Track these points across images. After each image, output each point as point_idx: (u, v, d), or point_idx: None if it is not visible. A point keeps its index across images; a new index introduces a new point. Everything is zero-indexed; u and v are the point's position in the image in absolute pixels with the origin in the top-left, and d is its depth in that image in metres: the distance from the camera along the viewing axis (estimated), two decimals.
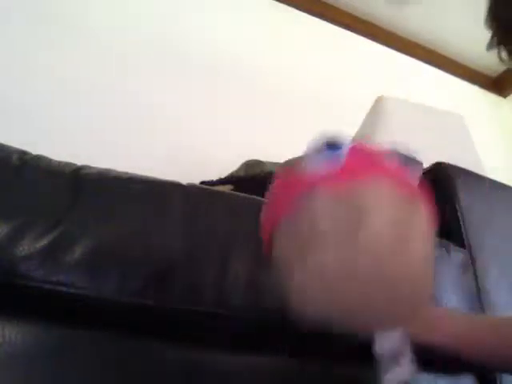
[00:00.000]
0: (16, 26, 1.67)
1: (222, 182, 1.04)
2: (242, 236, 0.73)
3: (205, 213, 0.72)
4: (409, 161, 0.38)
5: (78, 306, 0.60)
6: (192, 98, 1.87)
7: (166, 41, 1.93)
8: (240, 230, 0.73)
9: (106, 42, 1.79)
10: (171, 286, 0.64)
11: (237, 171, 1.08)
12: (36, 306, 0.58)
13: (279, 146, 1.54)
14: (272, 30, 2.26)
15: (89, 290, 0.60)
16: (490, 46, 0.66)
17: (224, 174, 1.12)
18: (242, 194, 0.81)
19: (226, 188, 0.96)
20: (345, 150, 0.36)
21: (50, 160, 0.69)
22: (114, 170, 0.72)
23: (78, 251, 0.60)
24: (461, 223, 0.93)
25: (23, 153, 0.67)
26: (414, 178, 0.38)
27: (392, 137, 1.45)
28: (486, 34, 0.68)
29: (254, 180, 1.01)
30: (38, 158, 0.68)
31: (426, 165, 1.06)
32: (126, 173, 0.72)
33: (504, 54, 0.65)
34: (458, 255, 0.89)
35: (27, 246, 0.58)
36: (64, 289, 0.58)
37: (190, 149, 1.73)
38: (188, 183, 0.75)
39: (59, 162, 0.69)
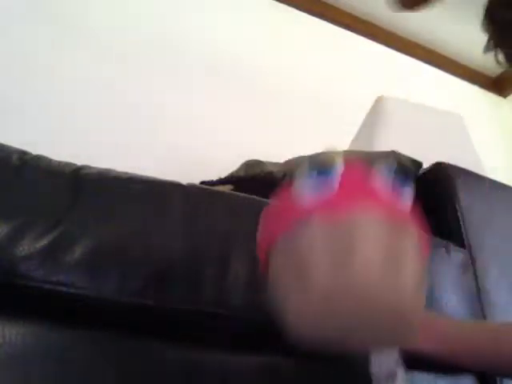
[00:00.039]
0: (16, 26, 1.67)
1: (222, 182, 1.04)
2: (242, 236, 0.73)
3: (205, 213, 0.72)
4: (400, 178, 0.39)
5: (78, 306, 0.60)
6: (192, 98, 1.87)
7: (165, 41, 1.93)
8: (240, 230, 0.73)
9: (106, 42, 1.79)
10: (171, 286, 0.64)
11: (237, 171, 1.08)
12: (36, 306, 0.58)
13: (279, 145, 1.54)
14: (272, 30, 2.26)
15: (89, 290, 0.60)
16: (486, 49, 0.66)
17: (224, 174, 1.12)
18: (242, 194, 0.81)
19: (226, 188, 0.96)
20: (337, 175, 0.37)
21: (50, 160, 0.69)
22: (114, 170, 0.72)
23: (78, 251, 0.60)
24: (461, 223, 0.93)
25: (23, 153, 0.67)
26: (406, 198, 0.38)
27: (392, 137, 1.45)
28: (485, 35, 0.68)
29: (253, 180, 1.01)
30: (38, 158, 0.68)
31: (426, 165, 1.06)
32: (126, 173, 0.72)
33: (501, 57, 0.65)
34: (458, 255, 0.89)
35: (27, 246, 0.58)
36: (64, 289, 0.58)
37: (190, 149, 1.73)
38: (188, 183, 0.75)
39: (59, 162, 0.69)
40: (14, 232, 0.58)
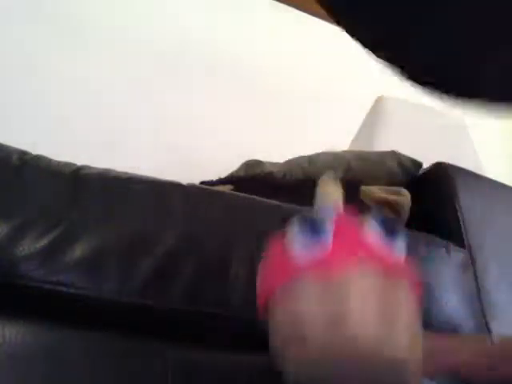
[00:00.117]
0: (16, 26, 1.67)
1: (222, 181, 1.04)
2: (242, 236, 0.73)
3: (205, 213, 0.72)
4: (391, 229, 0.39)
5: (78, 306, 0.60)
6: (192, 98, 1.87)
7: (166, 41, 1.93)
8: (240, 230, 0.73)
9: (106, 42, 1.79)
10: (171, 286, 0.64)
11: (237, 171, 1.08)
12: (36, 306, 0.58)
13: (279, 145, 1.54)
14: (272, 30, 2.26)
15: (89, 290, 0.60)
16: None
17: (224, 174, 1.12)
18: (242, 194, 0.81)
19: (226, 188, 0.96)
20: (329, 233, 0.38)
21: (50, 160, 0.69)
22: (114, 170, 0.72)
23: (78, 251, 0.60)
24: (461, 223, 0.93)
25: (23, 153, 0.67)
26: (397, 248, 0.39)
27: (392, 137, 1.45)
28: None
29: (253, 180, 1.01)
30: (38, 158, 0.68)
31: (426, 165, 1.06)
32: (126, 173, 0.72)
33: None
34: (458, 255, 0.89)
35: (27, 246, 0.58)
36: (64, 289, 0.59)
37: (190, 149, 1.73)
38: (188, 183, 0.75)
39: (59, 162, 0.69)
40: (14, 232, 0.59)
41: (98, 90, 1.68)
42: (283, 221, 0.75)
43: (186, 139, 1.74)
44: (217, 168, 1.12)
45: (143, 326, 0.63)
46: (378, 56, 0.30)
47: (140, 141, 1.65)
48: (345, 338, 0.34)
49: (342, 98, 2.18)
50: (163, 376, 0.60)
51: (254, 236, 0.74)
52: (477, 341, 0.62)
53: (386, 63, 0.31)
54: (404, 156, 1.06)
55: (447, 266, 0.87)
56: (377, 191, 0.97)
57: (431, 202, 1.00)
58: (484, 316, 0.86)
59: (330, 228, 0.38)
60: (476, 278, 0.89)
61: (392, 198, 0.95)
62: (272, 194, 0.85)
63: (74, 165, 0.70)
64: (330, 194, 0.46)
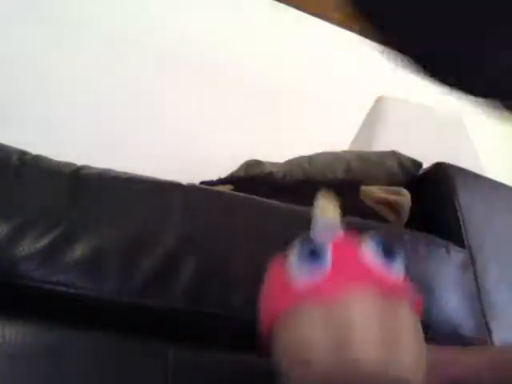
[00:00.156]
0: (16, 26, 1.67)
1: (222, 181, 1.04)
2: (242, 236, 0.73)
3: (205, 213, 0.72)
4: (390, 250, 0.40)
5: (78, 306, 0.60)
6: (192, 98, 1.87)
7: (165, 41, 1.93)
8: (240, 230, 0.73)
9: (106, 42, 1.79)
10: (171, 286, 0.64)
11: (237, 171, 1.08)
12: (36, 306, 0.58)
13: (279, 145, 1.54)
14: (272, 30, 2.26)
15: (89, 290, 0.60)
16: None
17: (224, 174, 1.12)
18: (242, 194, 0.81)
19: (226, 188, 0.96)
20: (328, 256, 0.38)
21: (50, 160, 0.69)
22: (114, 170, 0.72)
23: (78, 251, 0.60)
24: (461, 223, 0.93)
25: (23, 153, 0.67)
26: (397, 269, 0.39)
27: (392, 137, 1.45)
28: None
29: (253, 180, 1.01)
30: (38, 158, 0.68)
31: (426, 165, 1.06)
32: (126, 173, 0.72)
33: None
34: (458, 255, 0.89)
35: (27, 246, 0.58)
36: (64, 289, 0.59)
37: (190, 149, 1.73)
38: (188, 183, 0.75)
39: (59, 162, 0.69)
40: (14, 232, 0.59)
41: (98, 90, 1.68)
42: (283, 221, 0.75)
43: (185, 139, 1.74)
44: (217, 168, 1.12)
45: (143, 325, 0.63)
46: (445, 80, 0.31)
47: (140, 141, 1.65)
48: (349, 361, 0.35)
49: (342, 98, 2.18)
50: (163, 376, 0.60)
51: (254, 236, 0.74)
52: (479, 352, 0.63)
53: (453, 86, 0.31)
54: (404, 156, 1.06)
55: (447, 266, 0.87)
56: (377, 191, 0.97)
57: (431, 201, 1.00)
58: (484, 316, 0.86)
59: (328, 252, 0.38)
60: (476, 278, 0.89)
61: (392, 197, 0.95)
62: (272, 194, 0.85)
63: (74, 165, 0.70)
64: (328, 211, 0.46)
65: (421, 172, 1.06)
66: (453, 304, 0.83)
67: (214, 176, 1.14)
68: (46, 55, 1.67)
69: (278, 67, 2.16)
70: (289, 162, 1.08)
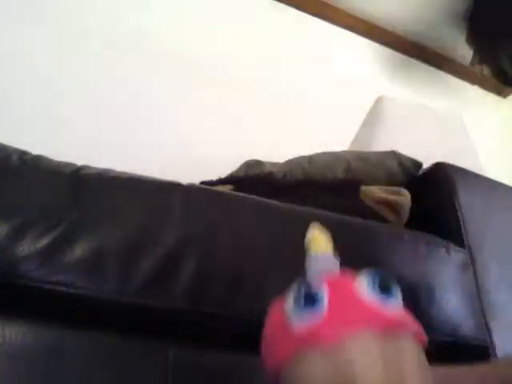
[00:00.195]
0: (16, 26, 1.67)
1: (221, 181, 1.04)
2: (242, 236, 0.73)
3: (205, 213, 0.72)
4: (387, 280, 0.39)
5: (78, 306, 0.60)
6: (192, 98, 1.87)
7: (165, 41, 1.93)
8: (240, 230, 0.73)
9: (106, 43, 1.79)
10: (171, 286, 0.64)
11: (237, 171, 1.08)
12: (36, 306, 0.58)
13: (279, 145, 1.54)
14: (272, 30, 2.26)
15: (89, 290, 0.60)
16: (472, 63, 0.66)
17: (224, 174, 1.12)
18: (242, 194, 0.81)
19: (226, 188, 0.96)
20: (324, 299, 0.38)
21: (50, 160, 0.69)
22: (114, 170, 0.72)
23: (78, 251, 0.60)
24: (461, 223, 0.93)
25: (23, 153, 0.67)
26: (395, 301, 0.39)
27: (392, 137, 1.45)
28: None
29: (253, 180, 1.01)
30: (38, 158, 0.68)
31: (426, 165, 1.06)
32: (126, 173, 0.72)
33: (487, 72, 0.66)
34: (458, 255, 0.89)
35: (27, 246, 0.58)
36: (64, 289, 0.59)
37: (190, 149, 1.73)
38: (188, 183, 0.75)
39: (59, 162, 0.69)
40: (14, 232, 0.59)
41: (98, 90, 1.68)
42: (283, 221, 0.75)
43: (185, 139, 1.74)
44: (217, 168, 1.12)
45: (143, 325, 0.63)
46: None
47: (140, 141, 1.65)
48: None
49: (342, 98, 2.18)
50: (163, 376, 0.60)
51: (254, 236, 0.74)
52: (490, 368, 0.62)
53: None
54: (404, 156, 1.06)
55: (447, 266, 0.87)
56: (377, 191, 0.97)
57: (431, 201, 1.00)
58: (484, 316, 0.86)
59: (324, 294, 0.38)
60: (476, 278, 0.89)
61: (392, 197, 0.95)
62: (272, 194, 0.85)
63: (74, 165, 0.70)
64: (321, 244, 0.46)
65: (421, 172, 1.06)
66: (453, 304, 0.83)
67: (214, 176, 1.14)
68: (46, 55, 1.67)
69: (278, 67, 2.16)
70: (289, 162, 1.08)
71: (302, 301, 0.38)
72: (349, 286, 0.40)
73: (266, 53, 2.19)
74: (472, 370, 0.56)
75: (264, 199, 0.80)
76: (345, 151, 1.22)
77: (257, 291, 0.68)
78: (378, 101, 1.60)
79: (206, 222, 0.71)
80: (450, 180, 0.97)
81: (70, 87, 1.66)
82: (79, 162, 0.71)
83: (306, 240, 0.48)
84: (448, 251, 0.88)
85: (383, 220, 0.93)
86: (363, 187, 0.97)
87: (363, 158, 1.08)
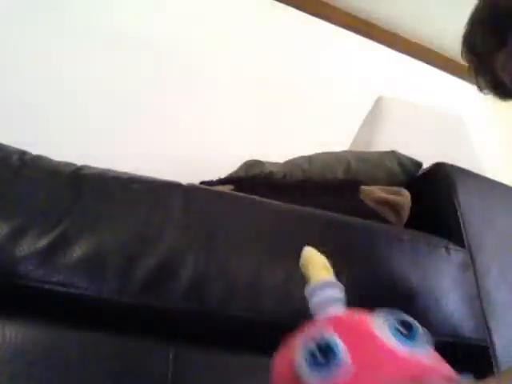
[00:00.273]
0: (16, 26, 1.67)
1: (221, 182, 1.04)
2: (242, 236, 0.73)
3: (205, 213, 0.72)
4: (408, 324, 0.35)
5: (78, 306, 0.60)
6: (192, 98, 1.87)
7: (165, 40, 1.93)
8: (240, 229, 0.73)
9: (106, 42, 1.79)
10: (171, 286, 0.64)
11: (237, 171, 1.08)
12: (36, 306, 0.58)
13: (279, 145, 1.54)
14: (272, 30, 2.26)
15: (89, 290, 0.60)
16: (469, 74, 0.66)
17: (224, 174, 1.12)
18: (242, 194, 0.81)
19: (226, 188, 0.96)
20: (342, 351, 0.33)
21: (50, 160, 0.69)
22: (114, 170, 0.72)
23: (78, 251, 0.60)
24: (461, 223, 0.93)
25: (23, 153, 0.67)
26: (421, 344, 0.35)
27: (392, 137, 1.45)
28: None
29: (253, 180, 1.01)
30: (38, 158, 0.68)
31: (426, 165, 1.06)
32: (126, 173, 0.72)
33: (482, 84, 0.66)
34: (458, 255, 0.89)
35: (27, 246, 0.58)
36: (64, 289, 0.59)
37: (190, 149, 1.73)
38: (188, 183, 0.75)
39: (59, 162, 0.69)
40: (14, 232, 0.59)
41: (98, 90, 1.68)
42: (283, 221, 0.75)
43: (185, 139, 1.74)
44: (217, 168, 1.12)
45: (143, 325, 0.63)
46: None
47: (140, 141, 1.65)
48: None
49: (342, 98, 2.18)
50: (163, 376, 0.60)
51: (254, 236, 0.74)
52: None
53: None
54: (404, 156, 1.06)
55: (447, 266, 0.87)
56: (377, 191, 0.97)
57: (431, 201, 1.00)
58: (484, 316, 0.86)
59: (339, 344, 0.33)
60: (476, 278, 0.89)
61: (392, 198, 0.95)
62: (272, 194, 0.85)
63: (74, 165, 0.70)
64: (319, 270, 0.42)
65: (421, 172, 1.06)
66: (453, 304, 0.83)
67: (214, 176, 1.14)
68: (47, 55, 1.67)
69: (278, 67, 2.16)
70: (289, 162, 1.08)
71: (318, 355, 0.32)
72: (368, 331, 0.35)
73: (266, 53, 2.18)
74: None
75: (264, 199, 0.80)
76: (345, 151, 1.22)
77: (257, 291, 0.68)
78: (378, 101, 1.60)
79: (206, 222, 0.71)
80: (449, 180, 0.97)
81: (70, 87, 1.65)
82: (79, 162, 0.71)
83: (302, 265, 0.43)
84: (448, 251, 0.88)
85: (383, 220, 0.93)
86: (363, 187, 0.97)
87: (363, 158, 1.08)
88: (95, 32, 1.80)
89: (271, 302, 0.68)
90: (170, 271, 0.64)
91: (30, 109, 1.54)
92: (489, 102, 2.79)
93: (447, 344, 0.79)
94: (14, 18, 1.68)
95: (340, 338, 0.33)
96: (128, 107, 1.71)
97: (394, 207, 0.94)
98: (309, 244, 0.46)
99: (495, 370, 0.80)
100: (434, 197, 0.99)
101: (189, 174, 0.86)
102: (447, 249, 0.88)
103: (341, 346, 0.33)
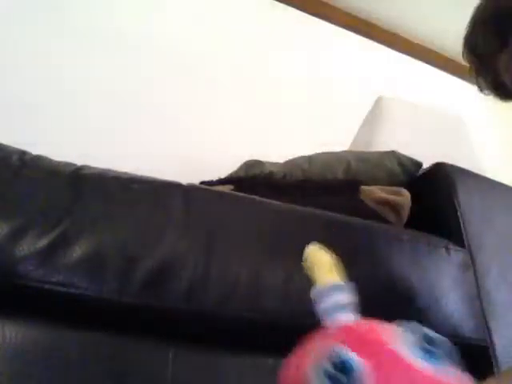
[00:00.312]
0: (16, 26, 1.67)
1: (221, 182, 1.04)
2: (242, 236, 0.73)
3: (205, 213, 0.72)
4: (435, 344, 0.33)
5: (78, 306, 0.60)
6: (192, 98, 1.87)
7: (165, 40, 1.93)
8: (240, 229, 0.73)
9: (106, 42, 1.79)
10: (171, 286, 0.64)
11: (237, 171, 1.08)
12: (36, 306, 0.58)
13: (279, 145, 1.54)
14: (272, 30, 2.26)
15: (89, 290, 0.60)
16: (470, 75, 0.66)
17: (224, 174, 1.12)
18: (242, 194, 0.81)
19: (226, 188, 0.96)
20: (362, 369, 0.30)
21: (50, 160, 0.69)
22: (114, 170, 0.72)
23: (78, 251, 0.60)
24: (461, 223, 0.93)
25: (23, 153, 0.67)
26: (447, 365, 0.33)
27: (392, 137, 1.45)
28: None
29: (253, 180, 1.01)
30: (38, 158, 0.68)
31: (426, 165, 1.06)
32: (126, 173, 0.72)
33: (483, 85, 0.66)
34: (458, 255, 0.89)
35: (27, 246, 0.58)
36: (64, 289, 0.59)
37: (190, 149, 1.73)
38: (188, 183, 0.75)
39: (59, 162, 0.69)
40: (14, 232, 0.59)
41: (98, 90, 1.68)
42: (283, 221, 0.75)
43: (186, 139, 1.74)
44: (217, 168, 1.12)
45: (143, 325, 0.63)
46: None
47: (140, 141, 1.65)
48: None
49: (342, 98, 2.18)
50: (163, 376, 0.60)
51: (254, 236, 0.74)
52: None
53: None
54: (404, 156, 1.06)
55: (447, 266, 0.87)
56: (377, 191, 0.97)
57: (431, 201, 1.00)
58: (484, 316, 0.86)
59: (357, 361, 0.30)
60: (476, 278, 0.89)
61: (392, 198, 0.95)
62: (272, 194, 0.85)
63: (74, 165, 0.70)
64: (327, 270, 0.40)
65: (421, 172, 1.06)
66: (453, 304, 0.83)
67: (214, 176, 1.14)
68: (47, 55, 1.67)
69: (278, 67, 2.16)
70: (289, 162, 1.08)
71: (339, 376, 0.30)
72: (386, 348, 0.32)
73: (266, 53, 2.18)
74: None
75: (264, 199, 0.80)
76: (345, 151, 1.22)
77: (257, 291, 0.68)
78: (378, 101, 1.60)
79: (206, 222, 0.71)
80: (449, 180, 0.97)
81: (70, 87, 1.65)
82: (79, 162, 0.71)
83: (306, 265, 0.41)
84: (448, 251, 0.88)
85: (383, 220, 0.93)
86: (363, 187, 0.97)
87: (363, 158, 1.08)
88: (95, 32, 1.80)
89: (271, 302, 0.68)
90: (169, 271, 0.64)
91: (30, 109, 1.54)
92: (489, 103, 2.78)
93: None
94: (14, 18, 1.68)
95: (353, 351, 0.31)
96: (128, 107, 1.71)
97: (394, 207, 0.94)
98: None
99: (495, 370, 0.80)
100: (434, 197, 0.99)
101: (189, 174, 0.86)
102: (447, 249, 0.88)
103: (360, 366, 0.31)
